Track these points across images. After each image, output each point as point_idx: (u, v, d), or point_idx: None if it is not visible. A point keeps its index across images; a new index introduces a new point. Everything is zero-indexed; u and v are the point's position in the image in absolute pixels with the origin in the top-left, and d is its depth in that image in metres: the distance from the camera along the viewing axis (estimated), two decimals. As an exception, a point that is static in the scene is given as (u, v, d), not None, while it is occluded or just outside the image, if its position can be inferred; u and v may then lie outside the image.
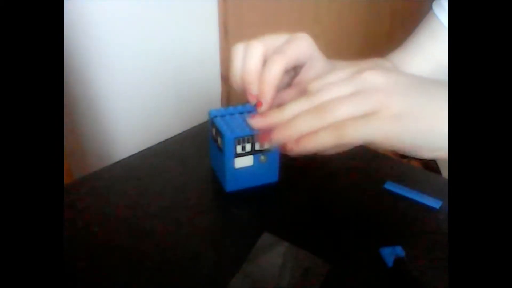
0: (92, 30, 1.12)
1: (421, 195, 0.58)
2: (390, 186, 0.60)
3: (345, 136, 0.37)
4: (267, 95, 0.46)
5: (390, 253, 0.49)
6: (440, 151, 0.38)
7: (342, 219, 0.55)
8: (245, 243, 0.51)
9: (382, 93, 0.38)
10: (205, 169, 0.64)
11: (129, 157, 0.66)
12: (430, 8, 0.66)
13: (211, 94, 1.50)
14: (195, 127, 0.73)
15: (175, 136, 0.71)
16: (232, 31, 1.42)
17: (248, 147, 0.56)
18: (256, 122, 0.44)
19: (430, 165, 0.82)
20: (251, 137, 0.55)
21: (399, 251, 0.49)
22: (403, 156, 0.81)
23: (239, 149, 0.56)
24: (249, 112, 0.59)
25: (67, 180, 0.55)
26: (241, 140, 0.55)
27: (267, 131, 0.42)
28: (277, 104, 0.45)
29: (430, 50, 0.64)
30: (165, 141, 0.70)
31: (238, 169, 0.57)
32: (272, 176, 0.60)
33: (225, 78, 1.50)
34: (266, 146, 0.55)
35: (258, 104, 0.46)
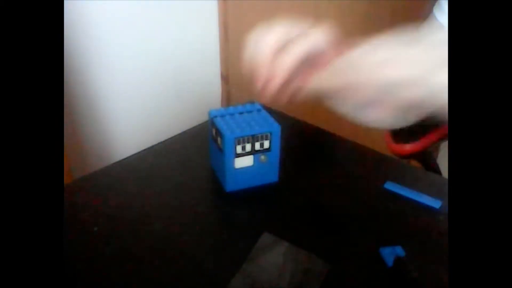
0: (92, 30, 1.12)
1: (421, 195, 0.58)
2: (390, 186, 0.60)
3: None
4: (276, 82, 0.46)
5: (390, 253, 0.49)
6: None
7: (342, 219, 0.56)
8: (245, 243, 0.51)
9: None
10: (205, 169, 0.64)
11: (129, 157, 0.66)
12: (430, 8, 0.65)
13: (211, 94, 1.50)
14: (195, 127, 0.73)
15: (175, 136, 0.71)
16: (232, 31, 1.42)
17: (248, 147, 0.56)
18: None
19: (430, 165, 0.82)
20: (251, 137, 0.55)
21: (399, 251, 0.49)
22: (403, 156, 0.81)
23: (239, 149, 0.56)
24: (249, 112, 0.59)
25: (67, 180, 0.55)
26: (241, 140, 0.55)
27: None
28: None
29: None
30: (165, 141, 0.70)
31: (238, 169, 0.57)
32: (272, 176, 0.60)
33: (225, 78, 1.50)
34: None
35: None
